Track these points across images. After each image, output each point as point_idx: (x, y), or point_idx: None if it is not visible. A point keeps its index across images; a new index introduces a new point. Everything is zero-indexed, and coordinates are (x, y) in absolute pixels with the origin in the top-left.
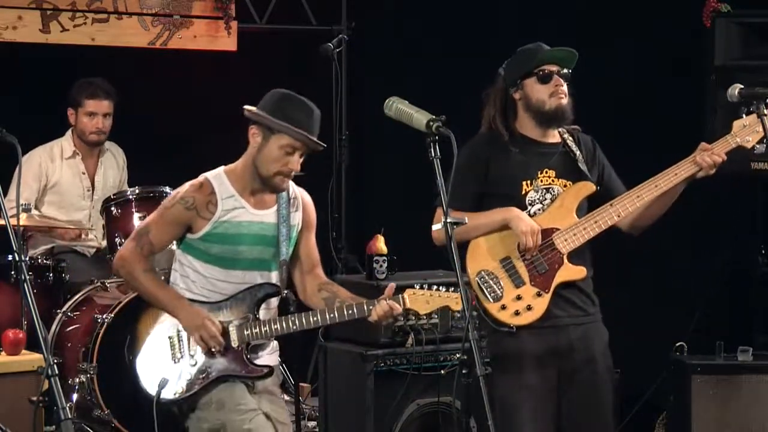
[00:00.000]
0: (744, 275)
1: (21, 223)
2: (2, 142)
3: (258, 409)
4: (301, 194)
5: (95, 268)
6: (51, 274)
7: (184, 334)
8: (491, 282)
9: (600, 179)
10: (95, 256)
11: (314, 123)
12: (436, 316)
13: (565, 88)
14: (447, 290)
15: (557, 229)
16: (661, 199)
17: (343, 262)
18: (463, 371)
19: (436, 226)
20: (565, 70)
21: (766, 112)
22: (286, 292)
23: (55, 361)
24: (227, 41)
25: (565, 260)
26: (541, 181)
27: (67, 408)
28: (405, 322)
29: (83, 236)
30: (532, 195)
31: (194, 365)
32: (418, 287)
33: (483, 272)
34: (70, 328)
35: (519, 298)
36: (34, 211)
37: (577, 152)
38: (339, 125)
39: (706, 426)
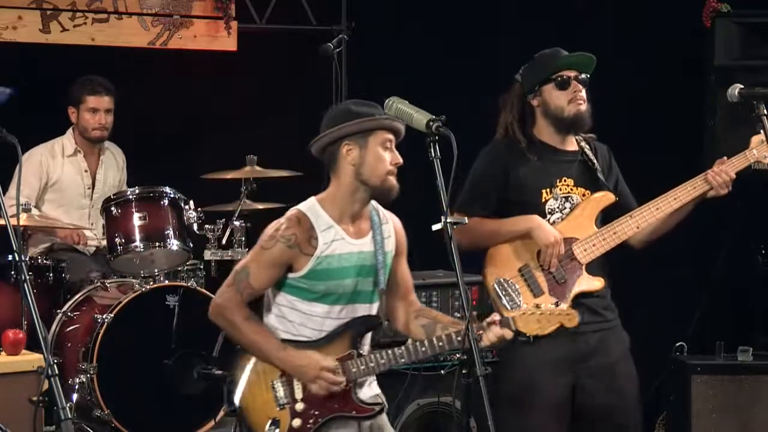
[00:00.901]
0: (744, 275)
1: (21, 222)
2: (2, 142)
3: None
4: (391, 218)
5: (95, 266)
6: (51, 274)
7: (288, 378)
8: (509, 290)
9: (614, 189)
10: (95, 254)
11: (382, 110)
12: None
13: (583, 93)
14: (557, 306)
15: (576, 239)
16: (674, 215)
17: None
18: (463, 371)
19: (436, 226)
20: (584, 75)
21: (766, 112)
22: (385, 322)
23: (55, 361)
24: (227, 41)
25: (584, 271)
26: (560, 189)
27: (67, 408)
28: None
29: (82, 242)
30: (551, 203)
31: (302, 409)
32: (523, 305)
33: (502, 280)
34: (70, 328)
35: (537, 307)
36: (34, 210)
37: (595, 161)
38: None
39: (706, 426)
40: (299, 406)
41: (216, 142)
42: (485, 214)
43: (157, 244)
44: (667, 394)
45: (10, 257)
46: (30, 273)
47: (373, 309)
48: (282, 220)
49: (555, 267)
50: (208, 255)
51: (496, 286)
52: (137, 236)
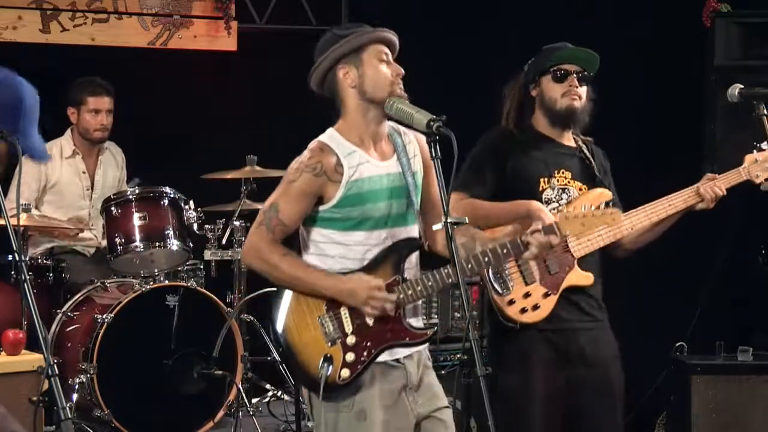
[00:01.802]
0: (744, 275)
1: (21, 223)
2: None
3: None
4: (415, 136)
5: (95, 268)
6: (51, 274)
7: (335, 313)
8: (503, 275)
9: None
10: (95, 255)
11: (370, 28)
12: (436, 316)
13: (581, 90)
14: (598, 208)
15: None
16: (663, 223)
17: None
18: (463, 371)
19: (436, 226)
20: (585, 73)
21: (766, 112)
22: (426, 244)
23: (55, 361)
24: (227, 41)
25: (576, 264)
26: (558, 180)
27: (67, 408)
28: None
29: (84, 227)
30: (548, 193)
31: (353, 342)
32: (565, 209)
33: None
34: (70, 328)
35: (528, 295)
36: (34, 211)
37: (593, 161)
38: None
39: (706, 426)
40: (351, 340)
41: (216, 142)
42: (483, 195)
43: (157, 244)
44: (667, 394)
45: (10, 257)
46: (30, 273)
47: (413, 231)
48: (304, 152)
49: (551, 261)
50: (208, 255)
51: (490, 269)
52: (137, 236)
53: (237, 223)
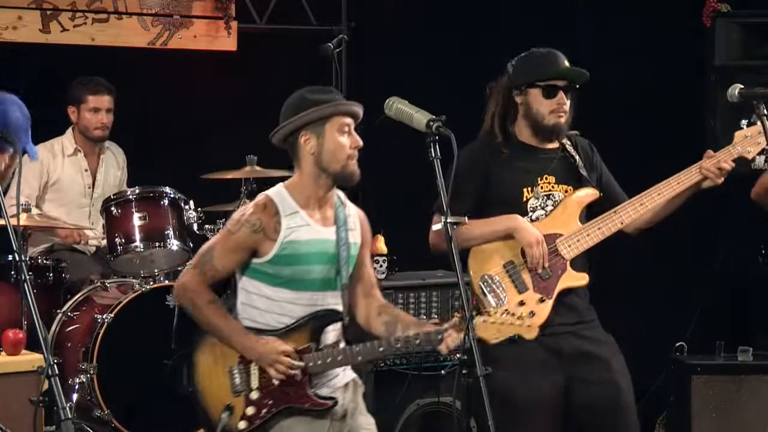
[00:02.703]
0: (744, 275)
1: (21, 222)
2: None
3: None
4: (357, 211)
5: (95, 266)
6: (51, 274)
7: (245, 365)
8: (494, 287)
9: (599, 184)
10: (95, 254)
11: (339, 94)
12: (436, 316)
13: (567, 105)
14: (519, 317)
15: (560, 235)
16: (665, 207)
17: None
18: (463, 371)
19: (436, 226)
20: (572, 85)
21: (766, 112)
22: (347, 318)
23: (55, 361)
24: (227, 41)
25: (568, 266)
26: (542, 187)
27: (67, 408)
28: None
29: (83, 240)
30: (533, 202)
31: (257, 398)
32: (487, 310)
33: (486, 276)
34: (70, 328)
35: (522, 303)
36: (34, 210)
37: (576, 157)
38: None
39: (706, 426)
40: (254, 395)
41: (216, 142)
42: (464, 211)
43: (157, 244)
44: (667, 394)
45: (10, 257)
46: (30, 273)
47: (336, 297)
48: (249, 205)
49: (540, 268)
50: None
51: (481, 283)
52: (137, 236)
53: None
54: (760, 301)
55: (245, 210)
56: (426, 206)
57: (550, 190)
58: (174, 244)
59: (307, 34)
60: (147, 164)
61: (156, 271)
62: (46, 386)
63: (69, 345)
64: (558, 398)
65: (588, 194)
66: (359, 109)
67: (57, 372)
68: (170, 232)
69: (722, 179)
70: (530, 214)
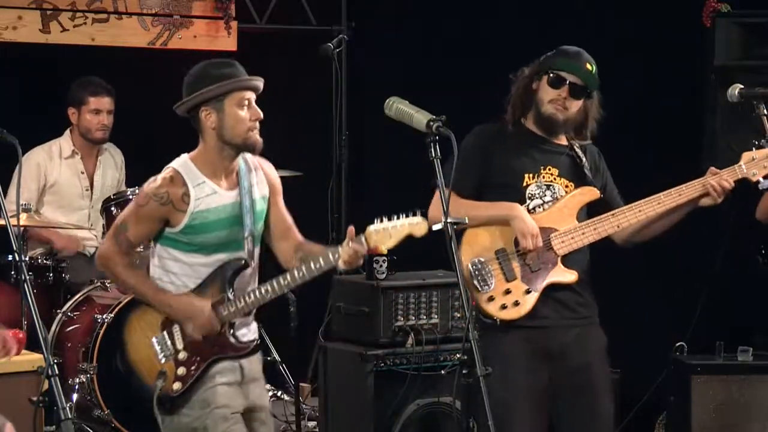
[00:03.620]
0: (744, 275)
1: (21, 223)
2: (2, 142)
3: (237, 414)
4: (260, 162)
5: (95, 268)
6: (51, 274)
7: (168, 331)
8: (483, 272)
9: (602, 191)
10: (95, 255)
11: (240, 68)
12: (436, 316)
13: (570, 102)
14: (406, 216)
15: (555, 230)
16: (663, 220)
17: None
18: (463, 371)
19: (436, 226)
20: (582, 86)
21: (766, 112)
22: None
23: (55, 361)
24: (227, 41)
25: (559, 262)
26: (544, 177)
27: (67, 408)
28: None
29: (80, 248)
30: (532, 189)
31: (184, 358)
32: (377, 222)
33: (477, 260)
34: (70, 328)
35: (508, 292)
36: (34, 213)
37: (583, 159)
38: (339, 125)
39: (706, 426)
40: (182, 355)
41: None
42: (464, 192)
43: None
44: (667, 394)
45: (10, 257)
46: (30, 273)
47: (253, 252)
48: (157, 177)
49: (533, 259)
50: None
51: (470, 266)
52: None
53: None
54: (760, 301)
55: (153, 182)
56: (426, 206)
57: (551, 181)
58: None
59: (307, 34)
60: (147, 164)
61: None
62: (46, 386)
63: (69, 345)
64: (542, 394)
65: (589, 193)
66: (259, 83)
67: (57, 372)
68: None
69: (722, 199)
70: (528, 201)
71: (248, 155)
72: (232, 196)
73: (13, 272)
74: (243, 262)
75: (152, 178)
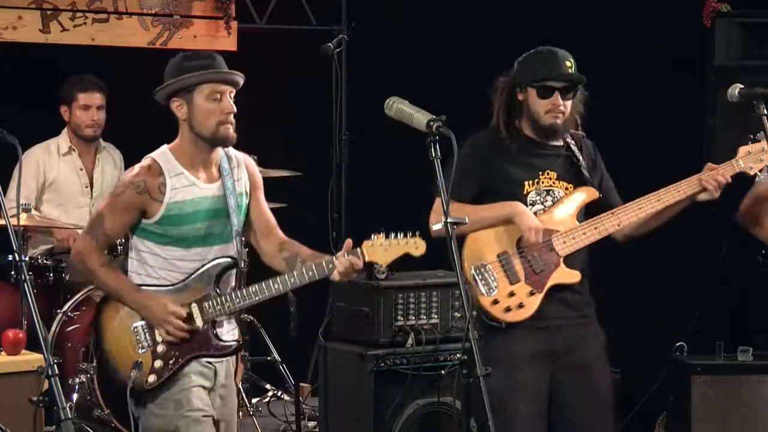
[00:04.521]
0: (744, 275)
1: (21, 223)
2: (2, 142)
3: (210, 417)
4: (243, 158)
5: None
6: (51, 274)
7: (147, 322)
8: (486, 276)
9: (599, 187)
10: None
11: (218, 61)
12: (436, 316)
13: (563, 107)
14: (405, 236)
15: (557, 231)
16: (660, 215)
17: None
18: (463, 371)
19: (437, 226)
20: (569, 86)
21: (766, 112)
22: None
23: (55, 361)
24: (227, 41)
25: (561, 263)
26: (543, 182)
27: (67, 408)
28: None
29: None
30: (533, 196)
31: (162, 351)
32: (374, 237)
33: (480, 265)
34: (70, 328)
35: (512, 294)
36: (33, 212)
37: (580, 157)
38: (339, 125)
39: (706, 426)
40: (160, 348)
41: None
42: (467, 198)
43: None
44: (667, 394)
45: (10, 257)
46: (30, 273)
47: (229, 249)
48: (135, 167)
49: (533, 255)
50: None
51: (473, 270)
52: None
53: None
54: (760, 301)
55: (130, 172)
56: (426, 206)
57: (551, 186)
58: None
59: (307, 34)
60: None
61: None
62: (46, 386)
63: (69, 345)
64: (545, 393)
65: (588, 194)
66: (233, 77)
67: (57, 372)
68: None
69: (719, 193)
70: (529, 207)
71: (231, 150)
72: (212, 189)
73: (13, 272)
74: (231, 260)
75: (130, 168)
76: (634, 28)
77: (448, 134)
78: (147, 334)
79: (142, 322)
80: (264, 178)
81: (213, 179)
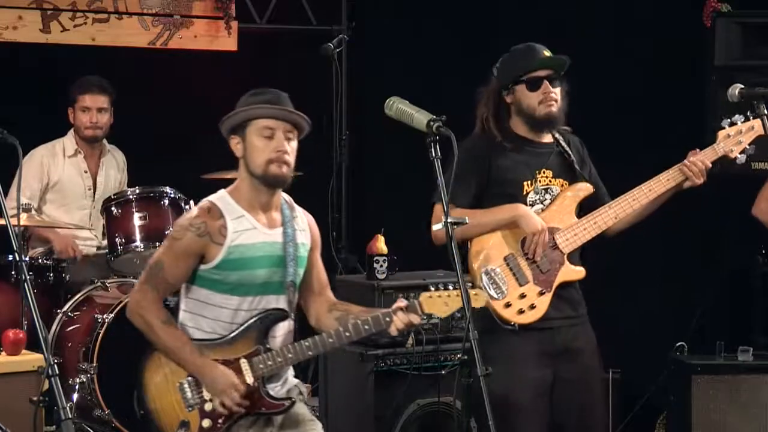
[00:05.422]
0: (744, 275)
1: (21, 223)
2: (3, 143)
3: None
4: (305, 214)
5: (95, 268)
6: (51, 274)
7: (195, 378)
8: (496, 279)
9: (587, 181)
10: (95, 255)
11: (281, 98)
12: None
13: (555, 94)
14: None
15: (558, 229)
16: (649, 206)
17: (343, 262)
18: (463, 371)
19: (437, 226)
20: (556, 73)
21: (766, 112)
22: (292, 315)
23: (55, 361)
24: (227, 41)
25: (566, 260)
26: (540, 181)
27: (68, 408)
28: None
29: (78, 256)
30: (532, 196)
31: (211, 410)
32: (433, 289)
33: (488, 269)
34: (70, 328)
35: (523, 296)
36: (34, 214)
37: (570, 153)
38: (339, 125)
39: (706, 426)
40: (208, 406)
41: (216, 142)
42: (467, 203)
43: (157, 244)
44: (667, 394)
45: (10, 257)
46: (30, 273)
47: (281, 301)
48: (193, 210)
49: (539, 256)
50: None
51: (483, 275)
52: (137, 236)
53: None
54: (760, 301)
55: (189, 215)
56: (426, 206)
57: (548, 184)
58: None
59: (307, 34)
60: (147, 164)
61: None
62: (46, 386)
63: (69, 345)
64: (547, 392)
65: (583, 189)
66: (286, 114)
67: (57, 372)
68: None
69: (702, 179)
70: (530, 207)
71: (292, 201)
72: (273, 235)
73: (13, 272)
74: (282, 312)
75: (186, 213)
76: (634, 28)
77: (448, 134)
78: (194, 392)
79: (189, 379)
80: None
81: (274, 224)
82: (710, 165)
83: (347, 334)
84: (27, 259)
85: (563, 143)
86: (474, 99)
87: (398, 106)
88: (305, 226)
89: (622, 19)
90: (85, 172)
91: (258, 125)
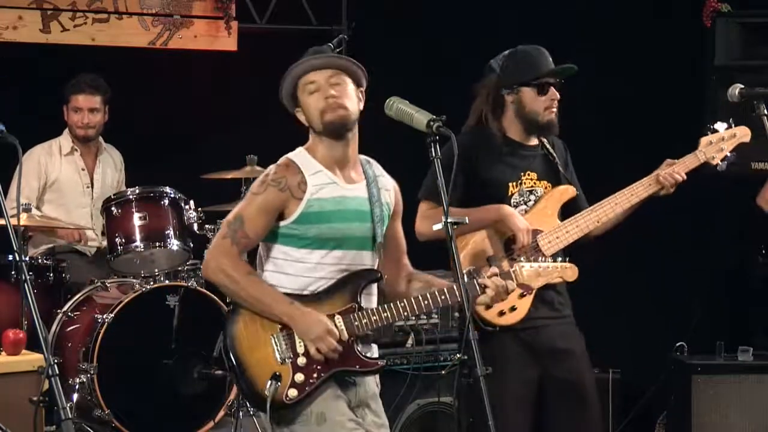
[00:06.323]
0: (744, 275)
1: (21, 223)
2: (3, 142)
3: (360, 426)
4: (389, 177)
5: (95, 268)
6: (51, 274)
7: (288, 332)
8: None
9: (571, 184)
10: (95, 255)
11: (317, 51)
12: (436, 316)
13: (557, 99)
14: (555, 261)
15: (541, 231)
16: (625, 212)
17: None
18: (463, 371)
19: (437, 226)
20: (561, 80)
21: (766, 112)
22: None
23: (55, 361)
24: (227, 41)
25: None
26: (525, 183)
27: (68, 408)
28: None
29: (83, 240)
30: (516, 197)
31: (303, 364)
32: (523, 260)
33: (471, 270)
34: (70, 328)
35: (537, 261)
36: (35, 211)
37: (555, 156)
38: None
39: (706, 426)
40: (301, 360)
41: (216, 142)
42: (453, 202)
43: (157, 244)
44: (667, 394)
45: (10, 257)
46: (30, 273)
47: (369, 258)
48: (271, 167)
49: (524, 256)
50: None
51: (465, 276)
52: (137, 236)
53: None
54: (760, 301)
55: (269, 171)
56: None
57: (532, 186)
58: (174, 244)
59: (307, 34)
60: (147, 164)
61: (156, 271)
62: (46, 386)
63: (69, 345)
64: (532, 393)
65: (567, 191)
66: (321, 61)
67: (57, 372)
68: (170, 232)
69: (673, 189)
70: (514, 208)
71: (374, 162)
72: (353, 189)
73: (13, 272)
74: (378, 274)
75: (264, 173)
76: (634, 28)
77: (448, 134)
78: (287, 345)
79: (282, 333)
80: None
81: (352, 181)
82: (685, 178)
83: (443, 297)
84: (27, 259)
85: (548, 146)
86: (473, 99)
87: (398, 106)
88: (390, 186)
89: (622, 19)
90: (83, 169)
91: (302, 85)
